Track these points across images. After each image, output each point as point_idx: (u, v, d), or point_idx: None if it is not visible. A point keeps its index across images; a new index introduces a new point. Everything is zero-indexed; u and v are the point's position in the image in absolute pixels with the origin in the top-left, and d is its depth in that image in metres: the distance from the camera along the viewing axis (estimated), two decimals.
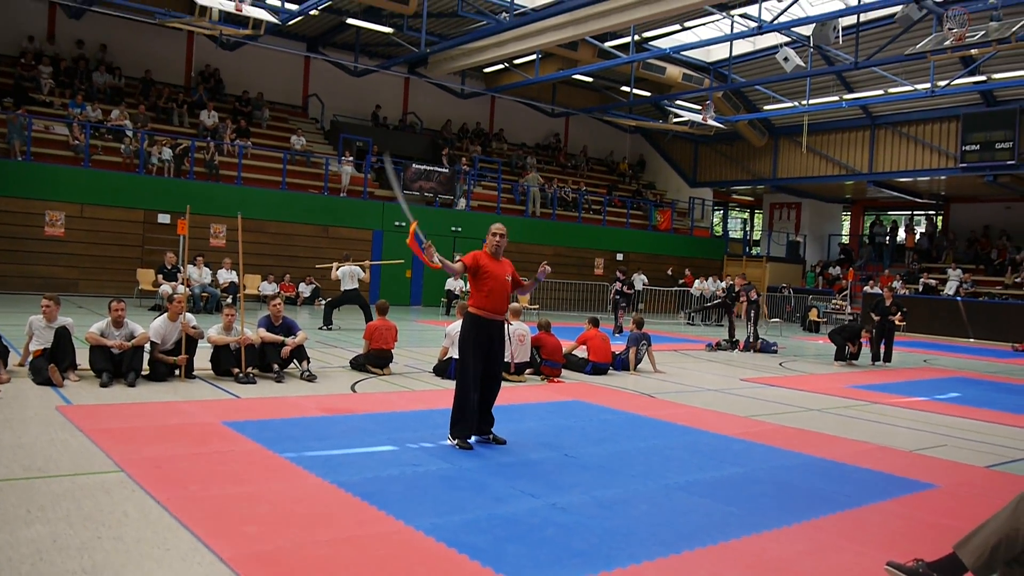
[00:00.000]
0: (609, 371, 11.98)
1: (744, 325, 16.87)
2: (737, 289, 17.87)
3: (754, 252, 36.31)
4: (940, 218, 34.06)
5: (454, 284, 21.92)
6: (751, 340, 16.77)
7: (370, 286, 23.48)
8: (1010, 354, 20.44)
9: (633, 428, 7.94)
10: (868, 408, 10.17)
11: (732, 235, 39.25)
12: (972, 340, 24.31)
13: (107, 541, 4.17)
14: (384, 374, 10.32)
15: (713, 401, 9.91)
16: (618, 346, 13.44)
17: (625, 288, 19.98)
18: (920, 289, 27.89)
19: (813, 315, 25.14)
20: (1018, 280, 26.50)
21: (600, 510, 5.14)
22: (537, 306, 22.91)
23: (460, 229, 25.02)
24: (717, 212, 40.19)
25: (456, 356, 10.07)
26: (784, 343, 19.31)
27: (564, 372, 11.44)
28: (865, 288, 27.49)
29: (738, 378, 12.36)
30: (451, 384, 9.91)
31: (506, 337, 7.98)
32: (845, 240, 38.01)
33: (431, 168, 25.15)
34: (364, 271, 16.47)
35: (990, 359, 18.43)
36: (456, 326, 10.30)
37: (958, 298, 25.77)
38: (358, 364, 10.53)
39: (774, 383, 12.00)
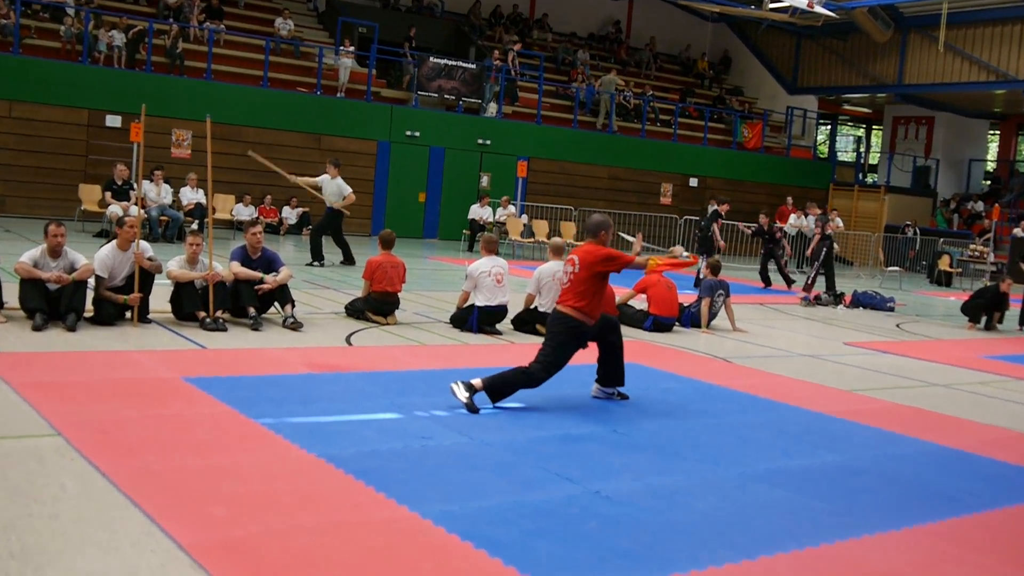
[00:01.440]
0: (675, 327, 11.98)
1: (809, 267, 17.25)
2: (809, 222, 18.46)
3: (869, 180, 35.87)
4: None
5: (479, 212, 21.95)
6: (808, 285, 17.11)
7: (372, 212, 23.62)
8: None
9: (702, 400, 7.96)
10: (1010, 385, 10.07)
11: (842, 158, 38.74)
12: None
13: (39, 520, 4.28)
14: (388, 323, 10.41)
15: (806, 370, 9.89)
16: (688, 296, 13.41)
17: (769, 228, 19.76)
18: None
19: (944, 264, 24.85)
20: None
21: (655, 501, 5.18)
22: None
23: (490, 143, 24.97)
24: (823, 127, 39.60)
25: (478, 303, 10.19)
26: (903, 299, 19.15)
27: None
28: (1015, 231, 27.03)
29: (841, 342, 12.30)
30: (471, 336, 9.99)
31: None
32: (991, 167, 37.31)
33: (454, 63, 25.00)
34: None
35: None
36: (479, 264, 10.34)
37: None
38: (355, 310, 10.63)
39: (887, 349, 11.93)
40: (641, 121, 28.52)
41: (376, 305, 10.49)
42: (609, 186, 27.19)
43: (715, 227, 18.66)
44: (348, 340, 9.41)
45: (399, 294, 10.67)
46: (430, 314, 11.45)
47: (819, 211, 18.42)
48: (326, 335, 9.53)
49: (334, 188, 16.20)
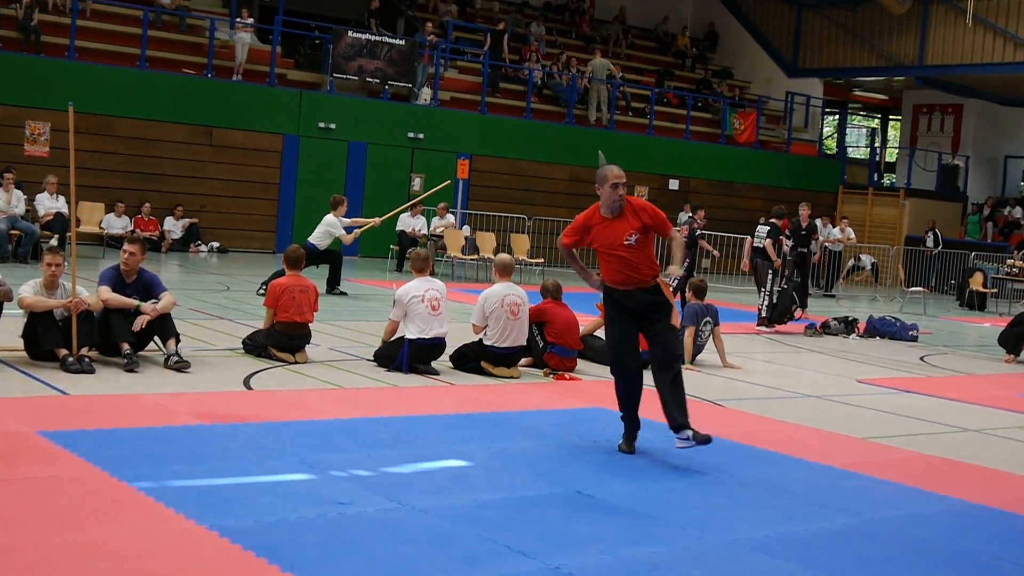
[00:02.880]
0: None
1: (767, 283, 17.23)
2: (807, 225, 18.82)
3: (886, 182, 36.39)
4: None
5: (410, 223, 21.95)
6: (767, 309, 16.85)
7: (277, 223, 23.58)
8: None
9: (686, 452, 7.96)
10: None
11: (853, 154, 39.28)
12: None
13: None
14: (296, 361, 10.35)
15: (813, 413, 9.97)
16: None
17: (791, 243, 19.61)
18: None
19: (976, 283, 25.27)
20: None
21: None
22: (541, 260, 22.99)
23: (423, 137, 25.01)
24: (830, 118, 40.15)
25: (409, 336, 10.20)
26: (928, 326, 19.43)
27: (581, 363, 11.49)
28: None
29: (854, 379, 12.44)
30: (401, 377, 9.97)
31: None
32: None
33: (378, 38, 25.04)
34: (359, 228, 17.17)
35: None
36: (411, 288, 10.33)
37: None
38: (256, 345, 10.55)
39: (909, 387, 12.08)
40: (609, 110, 28.75)
41: (281, 339, 10.42)
42: (570, 189, 27.30)
43: (700, 242, 18.71)
44: (247, 383, 9.33)
45: (310, 325, 10.61)
46: (349, 350, 11.38)
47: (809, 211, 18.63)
48: (219, 377, 9.43)
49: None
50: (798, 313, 17.54)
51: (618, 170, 7.83)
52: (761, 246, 17.17)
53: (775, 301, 16.71)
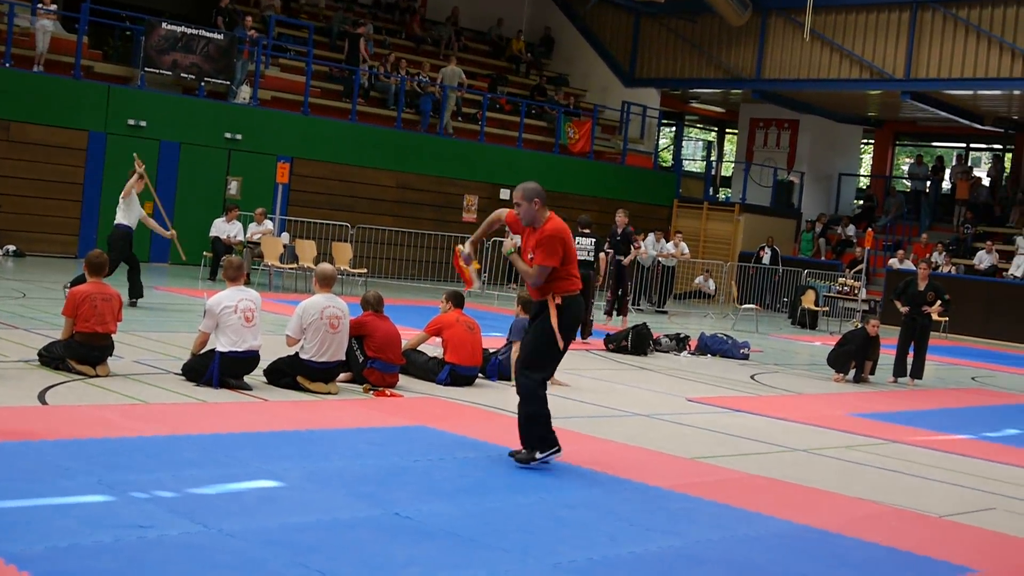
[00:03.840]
0: (477, 380, 12.09)
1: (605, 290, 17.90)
2: (620, 231, 19.50)
3: (722, 196, 37.33)
4: (1009, 156, 35.82)
5: (225, 229, 21.63)
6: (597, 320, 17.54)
7: (80, 227, 23.01)
8: None
9: (509, 472, 8.05)
10: (881, 449, 10.66)
11: (688, 167, 40.16)
12: None
13: None
14: (97, 374, 10.11)
15: (641, 433, 10.16)
16: (495, 340, 13.57)
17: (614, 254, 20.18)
18: (975, 267, 29.31)
19: (808, 301, 26.10)
20: None
21: None
22: (365, 270, 22.91)
23: (241, 137, 24.71)
24: (667, 129, 41.01)
25: (220, 348, 10.06)
26: (760, 344, 19.98)
27: (403, 379, 11.50)
28: (891, 261, 28.72)
29: (684, 397, 12.73)
30: (211, 392, 9.83)
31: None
32: (864, 183, 39.51)
33: (195, 31, 24.64)
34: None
35: None
36: (223, 298, 10.20)
37: None
38: (53, 357, 10.27)
39: (739, 407, 12.40)
40: (439, 115, 28.82)
41: (81, 351, 10.17)
42: (397, 197, 27.32)
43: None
44: (42, 397, 9.09)
45: (113, 336, 10.38)
46: (156, 363, 11.17)
47: (627, 220, 19.34)
48: (12, 391, 9.18)
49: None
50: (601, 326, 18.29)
51: (518, 189, 8.40)
52: (590, 257, 17.52)
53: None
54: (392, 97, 28.42)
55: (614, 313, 20.30)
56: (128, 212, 16.12)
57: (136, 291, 15.74)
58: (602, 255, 17.57)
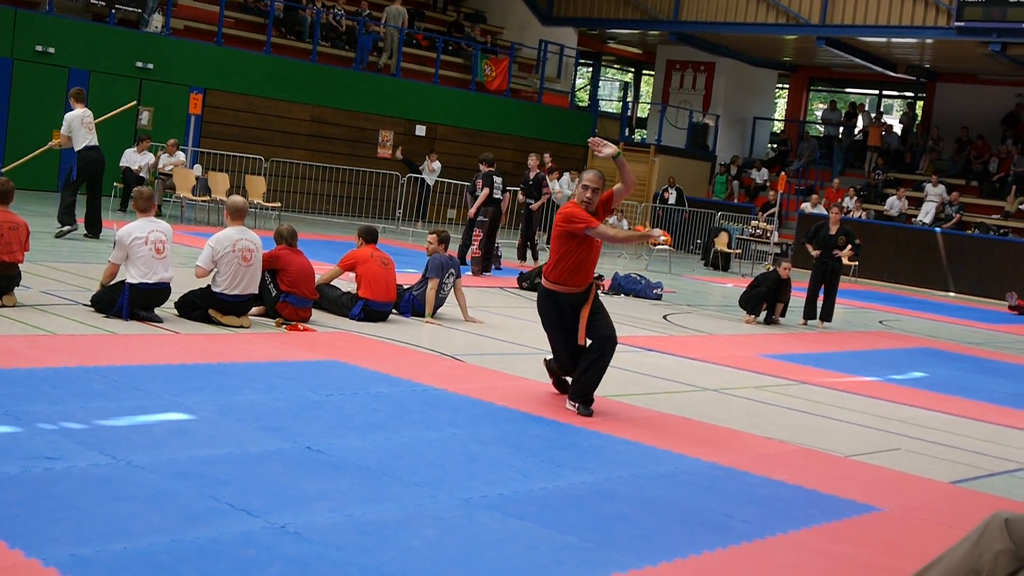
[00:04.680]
0: (391, 316, 12.09)
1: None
2: (533, 175, 20.01)
3: (638, 137, 37.45)
4: (921, 104, 36.31)
5: (136, 159, 21.28)
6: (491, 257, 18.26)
7: None
8: (1005, 317, 22.28)
9: (422, 408, 8.07)
10: (790, 390, 10.84)
11: (605, 108, 40.21)
12: (952, 294, 26.31)
13: None
14: (3, 304, 9.94)
15: None
16: (408, 276, 13.55)
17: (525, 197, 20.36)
18: (884, 212, 29.77)
19: (722, 243, 26.36)
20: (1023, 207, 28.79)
21: (359, 538, 5.21)
22: (278, 204, 22.71)
23: (152, 67, 24.25)
24: (584, 70, 40.98)
25: (130, 280, 9.94)
26: (673, 284, 20.16)
27: (316, 314, 11.45)
28: (803, 205, 29.05)
29: None
30: (121, 324, 9.72)
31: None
32: (779, 128, 39.87)
33: None
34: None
35: (975, 323, 20.05)
36: (133, 229, 10.06)
37: (936, 229, 27.75)
38: None
39: (651, 346, 12.53)
40: (355, 50, 28.51)
41: None
42: (312, 131, 27.05)
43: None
44: None
45: (19, 265, 10.19)
46: (64, 293, 11.01)
47: (541, 164, 19.62)
48: None
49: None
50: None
51: (591, 173, 8.87)
52: (498, 195, 17.82)
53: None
54: (307, 30, 28.02)
55: (528, 256, 20.38)
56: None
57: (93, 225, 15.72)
58: (506, 194, 17.86)
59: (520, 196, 20.47)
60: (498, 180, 17.99)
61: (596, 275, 17.20)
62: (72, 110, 15.99)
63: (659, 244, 8.98)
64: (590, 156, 32.97)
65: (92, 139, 15.78)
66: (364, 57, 28.52)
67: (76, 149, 15.81)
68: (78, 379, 7.60)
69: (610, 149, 8.46)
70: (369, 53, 28.72)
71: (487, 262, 17.86)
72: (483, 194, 18.09)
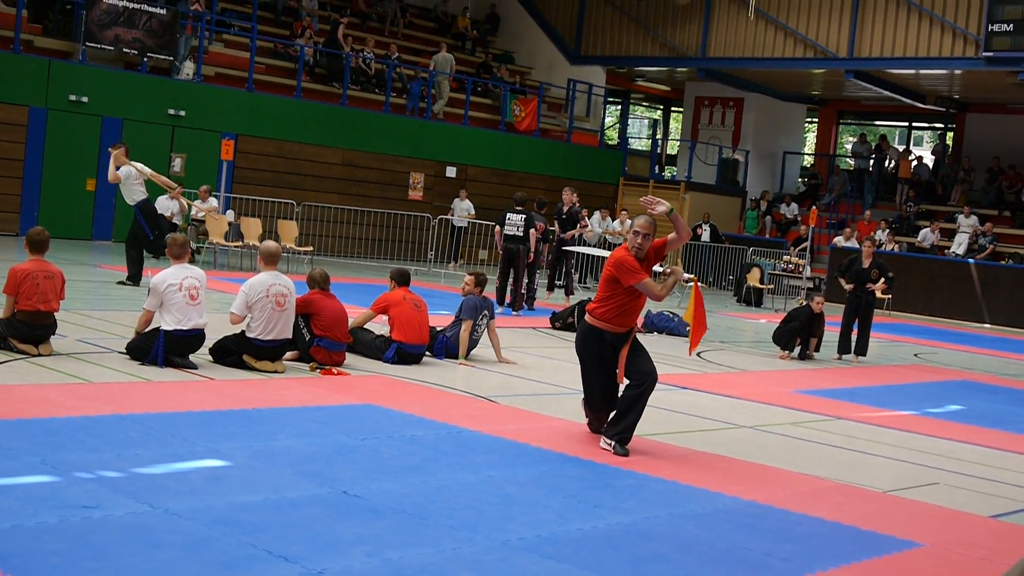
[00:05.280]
0: (424, 358, 12.08)
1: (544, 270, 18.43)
2: (567, 209, 20.09)
3: (667, 175, 37.48)
4: (951, 135, 36.21)
5: (169, 206, 21.42)
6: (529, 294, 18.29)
7: (21, 204, 22.72)
8: None
9: (458, 451, 8.05)
10: (826, 425, 10.77)
11: (634, 146, 40.26)
12: (988, 326, 26.11)
13: None
14: (40, 353, 10.00)
15: None
16: (442, 318, 13.56)
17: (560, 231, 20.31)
18: (917, 245, 29.63)
19: (754, 279, 26.27)
20: None
21: None
22: (311, 248, 22.80)
23: (184, 114, 24.47)
24: (612, 108, 41.09)
25: (165, 327, 9.98)
26: (706, 322, 20.03)
27: (350, 358, 11.46)
28: (835, 239, 28.96)
29: None
30: (156, 371, 9.76)
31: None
32: (809, 162, 39.80)
33: (137, 5, 24.35)
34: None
35: (1011, 355, 19.88)
36: (167, 275, 10.11)
37: (970, 260, 27.59)
38: None
39: (685, 384, 12.47)
40: (385, 92, 28.69)
41: (23, 329, 10.04)
42: (343, 175, 27.19)
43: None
44: None
45: (55, 314, 10.26)
46: (100, 341, 11.06)
47: (575, 199, 19.73)
48: None
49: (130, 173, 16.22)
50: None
51: (643, 219, 8.63)
52: (520, 233, 17.82)
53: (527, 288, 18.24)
54: (338, 74, 28.23)
55: (556, 289, 20.42)
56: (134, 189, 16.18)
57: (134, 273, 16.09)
58: (532, 232, 17.82)
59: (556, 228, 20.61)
60: (515, 217, 17.92)
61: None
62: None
63: (688, 279, 8.94)
64: (620, 194, 33.06)
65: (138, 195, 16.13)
66: (415, 104, 28.91)
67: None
68: (114, 427, 7.62)
69: (663, 207, 8.41)
70: (419, 99, 29.12)
71: (501, 297, 17.78)
72: (496, 232, 18.25)
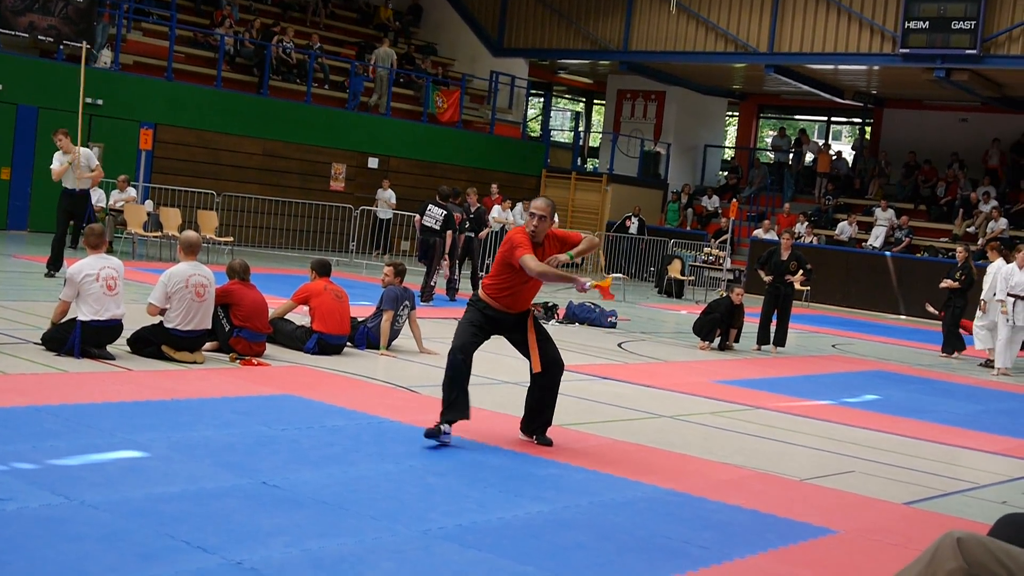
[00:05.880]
0: (345, 348, 12.07)
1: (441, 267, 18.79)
2: (475, 210, 20.12)
3: (590, 167, 37.63)
4: (869, 130, 36.72)
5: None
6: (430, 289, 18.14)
7: None
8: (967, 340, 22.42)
9: (378, 441, 8.06)
10: (745, 415, 10.90)
11: (557, 138, 40.38)
12: (904, 317, 26.53)
13: None
14: None
15: (508, 400, 10.23)
16: (363, 309, 13.53)
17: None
18: (835, 237, 30.03)
19: (675, 270, 26.47)
20: (971, 230, 29.11)
21: (317, 572, 5.20)
22: (231, 239, 22.62)
23: (102, 103, 24.13)
24: (535, 100, 41.17)
25: (81, 317, 9.86)
26: (627, 312, 20.22)
27: (270, 348, 11.41)
28: (755, 232, 29.25)
29: None
30: (72, 362, 9.66)
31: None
32: (729, 155, 40.17)
33: None
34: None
35: (926, 345, 20.20)
36: (84, 265, 10.00)
37: (886, 253, 28.03)
38: None
39: (606, 374, 12.57)
40: (307, 82, 28.51)
41: None
42: (264, 164, 26.98)
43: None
44: None
45: None
46: (14, 332, 10.93)
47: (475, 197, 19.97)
48: None
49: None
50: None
51: (541, 201, 8.53)
52: (436, 227, 17.95)
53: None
54: (257, 63, 27.99)
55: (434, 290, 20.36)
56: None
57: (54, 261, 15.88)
58: (448, 233, 17.98)
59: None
60: (436, 211, 17.99)
61: (550, 304, 17.42)
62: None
63: (585, 291, 8.78)
64: (542, 186, 33.14)
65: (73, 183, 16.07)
66: (355, 99, 28.88)
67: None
68: (29, 419, 7.53)
69: (564, 258, 8.41)
70: (361, 95, 29.26)
71: (425, 292, 17.78)
72: (416, 220, 18.36)
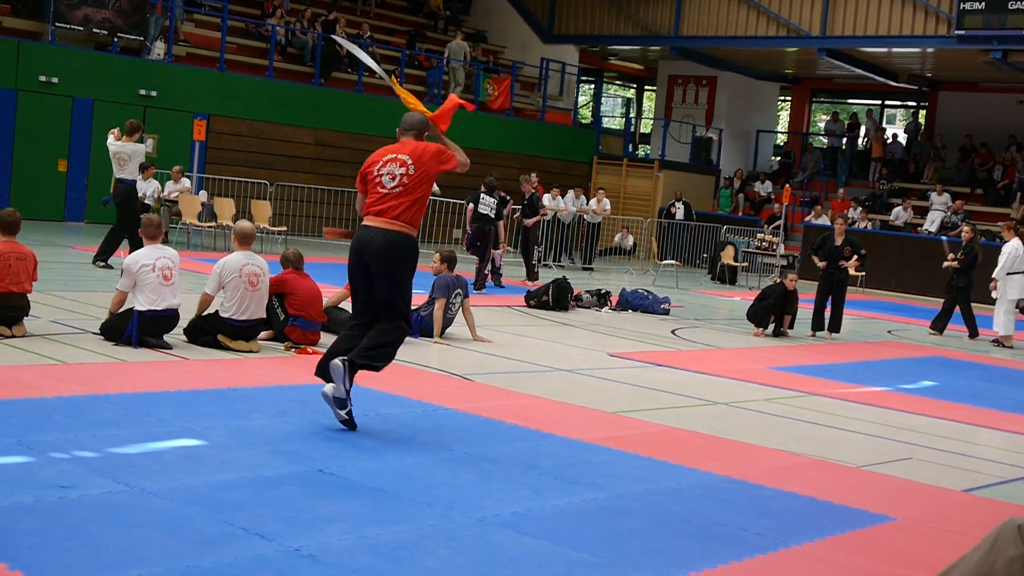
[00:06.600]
0: None
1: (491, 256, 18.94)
2: (528, 197, 20.52)
3: (641, 153, 37.48)
4: (924, 113, 36.33)
5: (142, 187, 21.30)
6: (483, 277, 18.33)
7: None
8: (1016, 325, 22.18)
9: (434, 429, 8.08)
10: (800, 402, 10.82)
11: (608, 124, 40.27)
12: None
13: None
14: (12, 335, 9.96)
15: (563, 387, 10.22)
16: (416, 297, 13.56)
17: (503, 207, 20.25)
18: (890, 223, 29.76)
19: (728, 257, 26.35)
20: None
21: (373, 559, 5.21)
22: (284, 228, 22.74)
23: (156, 94, 24.33)
24: (586, 87, 41.06)
25: (138, 307, 9.95)
26: (680, 299, 20.16)
27: (325, 337, 11.44)
28: (808, 217, 29.05)
29: (606, 352, 12.79)
30: (130, 351, 9.74)
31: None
32: (782, 140, 39.88)
33: None
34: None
35: (984, 331, 19.94)
36: (140, 256, 10.09)
37: (943, 238, 27.72)
38: None
39: (660, 361, 12.52)
40: (357, 72, 28.59)
41: None
42: (316, 154, 27.10)
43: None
44: None
45: (28, 296, 10.22)
46: (73, 322, 11.02)
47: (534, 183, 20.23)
48: None
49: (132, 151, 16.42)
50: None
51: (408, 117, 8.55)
52: (491, 214, 18.34)
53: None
54: (309, 53, 28.11)
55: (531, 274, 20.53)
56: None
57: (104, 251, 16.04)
58: (504, 213, 18.32)
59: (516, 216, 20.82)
60: (489, 199, 18.19)
61: (603, 291, 17.42)
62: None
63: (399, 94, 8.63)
64: (594, 173, 33.09)
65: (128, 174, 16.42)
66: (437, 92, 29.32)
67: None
68: (89, 408, 7.61)
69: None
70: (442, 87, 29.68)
71: (478, 279, 17.89)
72: (468, 209, 18.47)
